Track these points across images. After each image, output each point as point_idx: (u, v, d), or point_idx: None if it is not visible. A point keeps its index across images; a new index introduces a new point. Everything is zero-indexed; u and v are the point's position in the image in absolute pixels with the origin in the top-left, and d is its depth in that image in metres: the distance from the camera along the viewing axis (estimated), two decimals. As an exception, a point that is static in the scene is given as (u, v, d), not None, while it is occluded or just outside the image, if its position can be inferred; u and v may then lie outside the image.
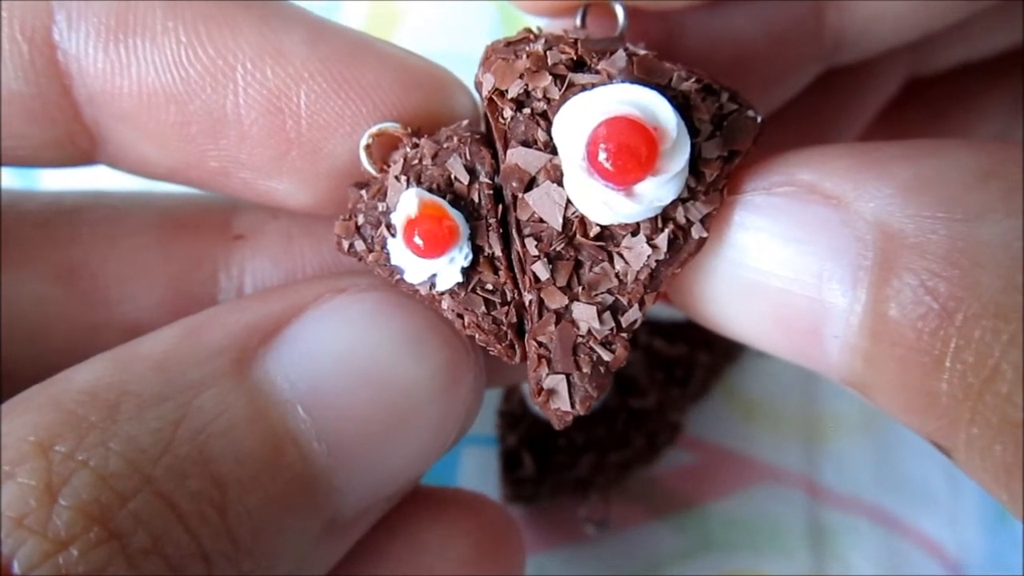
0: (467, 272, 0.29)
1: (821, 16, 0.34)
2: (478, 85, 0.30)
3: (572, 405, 0.29)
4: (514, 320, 0.29)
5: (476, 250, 0.29)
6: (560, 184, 0.28)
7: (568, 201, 0.28)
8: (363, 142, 0.30)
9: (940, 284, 0.23)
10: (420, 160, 0.29)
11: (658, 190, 0.27)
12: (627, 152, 0.26)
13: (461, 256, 0.28)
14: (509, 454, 0.48)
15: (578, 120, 0.27)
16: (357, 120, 0.31)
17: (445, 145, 0.29)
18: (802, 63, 0.36)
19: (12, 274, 0.33)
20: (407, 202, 0.28)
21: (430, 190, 0.29)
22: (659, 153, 0.26)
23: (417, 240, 0.28)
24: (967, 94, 0.45)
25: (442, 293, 0.29)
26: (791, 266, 0.27)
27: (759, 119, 0.29)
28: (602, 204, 0.27)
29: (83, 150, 0.33)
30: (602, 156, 0.26)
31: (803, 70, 0.36)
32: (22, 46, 0.30)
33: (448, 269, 0.28)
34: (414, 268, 0.29)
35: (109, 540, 0.23)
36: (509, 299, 0.29)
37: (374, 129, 0.30)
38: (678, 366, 0.50)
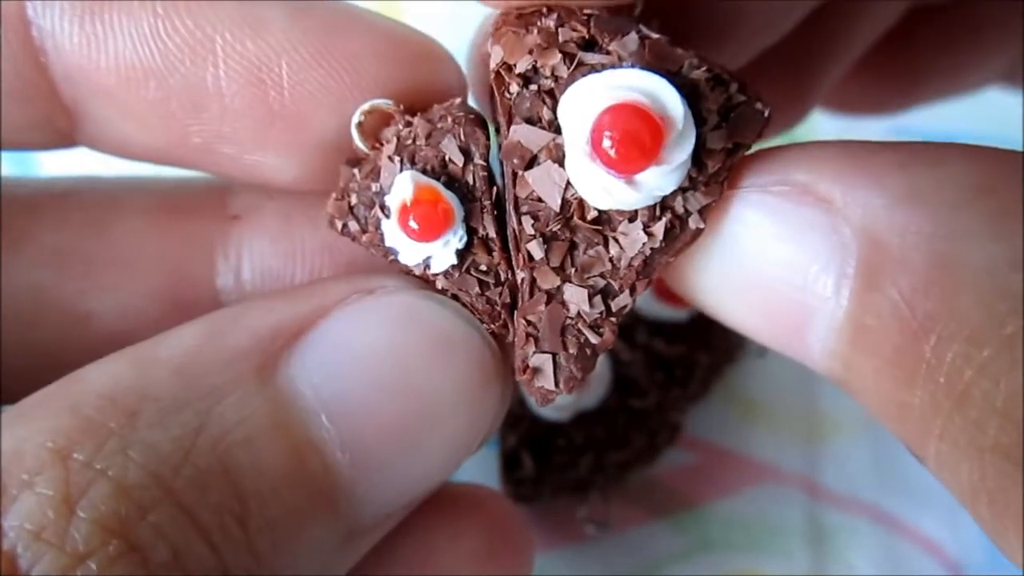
0: (461, 254, 0.29)
1: None
2: (480, 53, 0.29)
3: (556, 384, 0.28)
4: (507, 300, 0.29)
5: (470, 232, 0.29)
6: (561, 165, 0.28)
7: (568, 183, 0.28)
8: (355, 119, 0.30)
9: (919, 300, 0.23)
10: (413, 140, 0.29)
11: (660, 180, 0.27)
12: (631, 141, 0.26)
13: (456, 239, 0.28)
14: (509, 454, 0.48)
15: (584, 103, 0.27)
16: (343, 92, 0.30)
17: (439, 125, 0.29)
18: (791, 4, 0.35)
19: (3, 260, 0.33)
20: (402, 186, 0.28)
21: (424, 172, 0.29)
22: (664, 144, 0.26)
23: (412, 224, 0.28)
24: (975, 26, 0.44)
25: (436, 274, 0.29)
26: (781, 265, 0.27)
27: (766, 112, 0.28)
28: (602, 190, 0.27)
29: (63, 131, 0.32)
30: (606, 143, 0.26)
31: (793, 10, 0.36)
32: None
33: (443, 252, 0.28)
34: (408, 251, 0.29)
35: (129, 553, 0.22)
36: (503, 279, 0.29)
37: (366, 106, 0.30)
38: (678, 366, 0.50)
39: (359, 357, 0.27)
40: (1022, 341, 0.21)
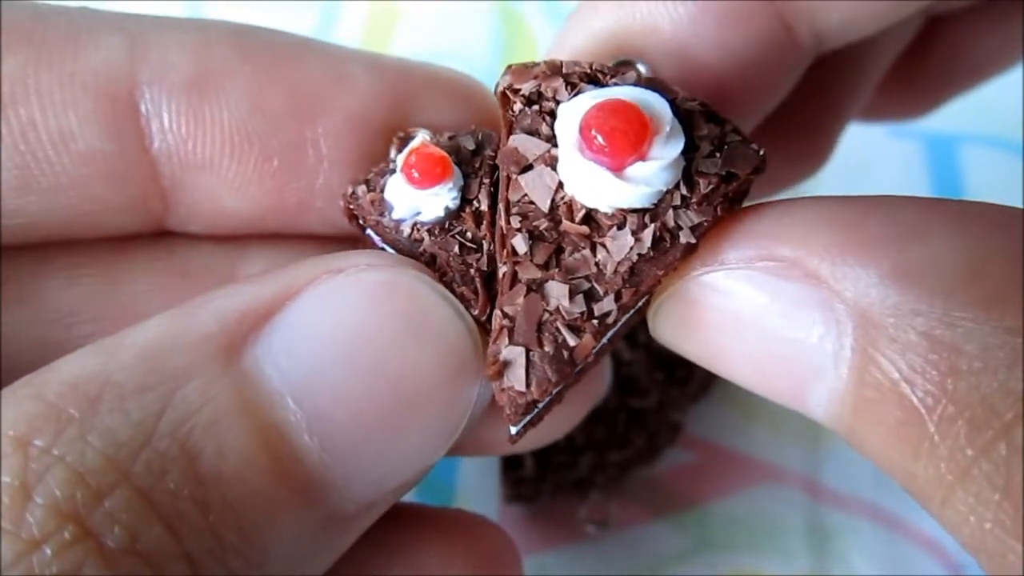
0: (451, 216, 0.30)
1: (791, 28, 0.33)
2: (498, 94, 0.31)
3: (527, 385, 0.27)
4: (484, 267, 0.29)
5: (465, 203, 0.30)
6: (554, 170, 0.28)
7: (559, 186, 0.28)
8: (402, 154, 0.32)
9: (918, 380, 0.24)
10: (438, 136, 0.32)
11: (647, 174, 0.27)
12: (618, 128, 0.27)
13: (448, 194, 0.30)
14: (509, 454, 0.48)
15: (578, 107, 0.28)
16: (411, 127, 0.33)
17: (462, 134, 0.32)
18: (786, 73, 0.35)
19: (11, 313, 0.33)
20: (413, 142, 0.31)
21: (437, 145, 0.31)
22: (650, 133, 0.27)
23: (414, 173, 0.30)
24: (993, 27, 0.43)
25: (422, 230, 0.30)
26: (775, 338, 0.27)
27: (762, 152, 0.29)
28: (590, 180, 0.27)
29: (154, 215, 0.33)
30: (594, 131, 0.27)
31: (789, 76, 0.36)
32: (107, 105, 0.31)
33: (433, 202, 0.30)
34: (403, 202, 0.30)
35: (84, 539, 0.22)
36: (485, 250, 0.30)
37: (416, 141, 0.32)
38: (678, 366, 0.50)
39: (327, 337, 0.27)
40: (1021, 427, 0.22)
